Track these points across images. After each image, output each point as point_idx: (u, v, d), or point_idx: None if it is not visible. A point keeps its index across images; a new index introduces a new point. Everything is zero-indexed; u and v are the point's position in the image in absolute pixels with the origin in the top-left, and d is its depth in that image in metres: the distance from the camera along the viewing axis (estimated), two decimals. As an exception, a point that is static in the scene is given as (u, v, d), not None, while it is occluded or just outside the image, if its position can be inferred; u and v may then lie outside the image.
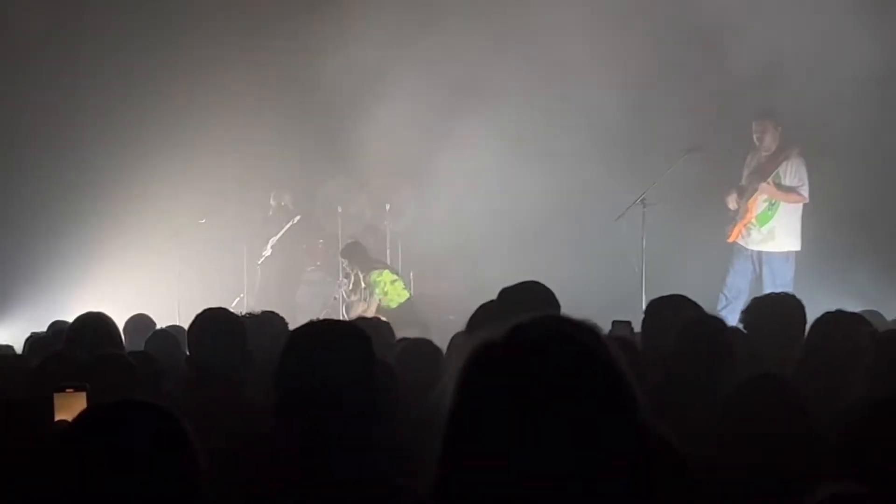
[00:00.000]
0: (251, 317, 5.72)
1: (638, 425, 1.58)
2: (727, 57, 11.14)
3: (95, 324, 5.09)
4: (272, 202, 13.94)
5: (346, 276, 12.56)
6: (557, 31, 11.90)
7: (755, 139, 10.46)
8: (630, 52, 11.59)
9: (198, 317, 4.77)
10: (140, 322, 7.33)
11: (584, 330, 1.63)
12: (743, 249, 10.57)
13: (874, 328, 4.57)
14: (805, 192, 10.38)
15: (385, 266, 12.43)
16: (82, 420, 2.22)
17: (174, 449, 2.18)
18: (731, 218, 10.54)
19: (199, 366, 4.59)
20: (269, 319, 5.83)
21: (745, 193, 10.48)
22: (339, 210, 13.30)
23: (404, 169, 13.03)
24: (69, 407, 3.40)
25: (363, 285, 12.22)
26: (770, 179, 10.35)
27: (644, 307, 5.86)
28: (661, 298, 5.37)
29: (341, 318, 12.50)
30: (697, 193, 11.22)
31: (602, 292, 10.47)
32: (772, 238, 10.46)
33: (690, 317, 4.48)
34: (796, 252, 10.51)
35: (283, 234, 13.75)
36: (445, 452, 1.59)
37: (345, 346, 3.09)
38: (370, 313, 11.89)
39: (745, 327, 4.99)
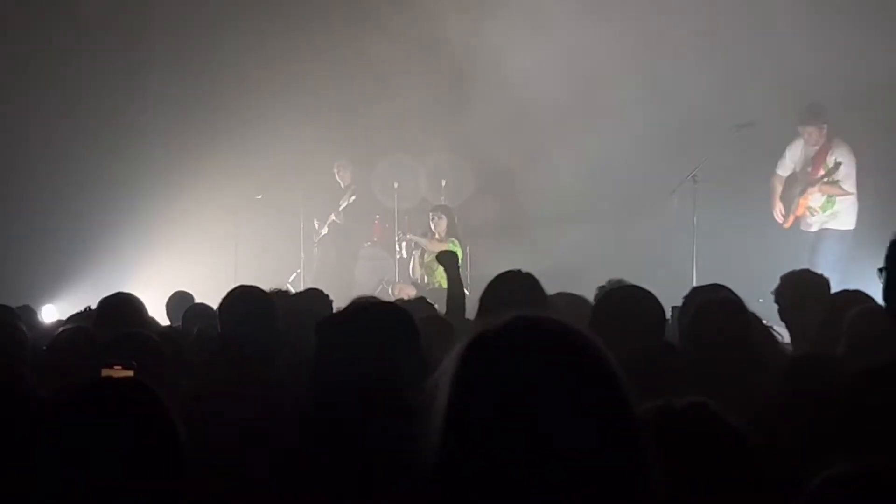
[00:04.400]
0: (297, 295, 5.72)
1: (629, 412, 1.63)
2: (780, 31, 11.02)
3: (122, 304, 5.17)
4: (337, 178, 13.96)
5: (424, 234, 12.64)
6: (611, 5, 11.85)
7: (804, 139, 10.51)
8: (688, 26, 11.49)
9: (229, 294, 4.82)
10: (182, 299, 7.42)
11: (571, 322, 1.68)
12: (807, 235, 10.58)
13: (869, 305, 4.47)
14: (848, 185, 10.37)
15: (459, 245, 12.49)
16: (56, 401, 2.29)
17: (150, 425, 2.25)
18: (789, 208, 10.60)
19: (229, 343, 4.65)
20: (315, 298, 5.82)
21: (794, 190, 10.55)
22: (396, 186, 13.34)
23: (460, 145, 13.05)
24: None
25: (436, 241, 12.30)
26: (822, 179, 10.35)
27: (694, 285, 5.86)
28: (700, 288, 5.29)
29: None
30: (749, 169, 11.12)
31: (652, 271, 10.42)
32: (834, 217, 10.51)
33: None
34: (852, 230, 10.44)
35: (340, 212, 13.81)
36: (445, 442, 1.62)
37: (386, 331, 3.08)
38: (435, 248, 11.96)
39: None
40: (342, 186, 13.88)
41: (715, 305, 4.33)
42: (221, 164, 13.04)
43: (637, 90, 11.58)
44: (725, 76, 11.37)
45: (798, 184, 10.59)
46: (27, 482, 2.24)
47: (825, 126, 10.38)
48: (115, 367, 3.53)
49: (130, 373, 3.48)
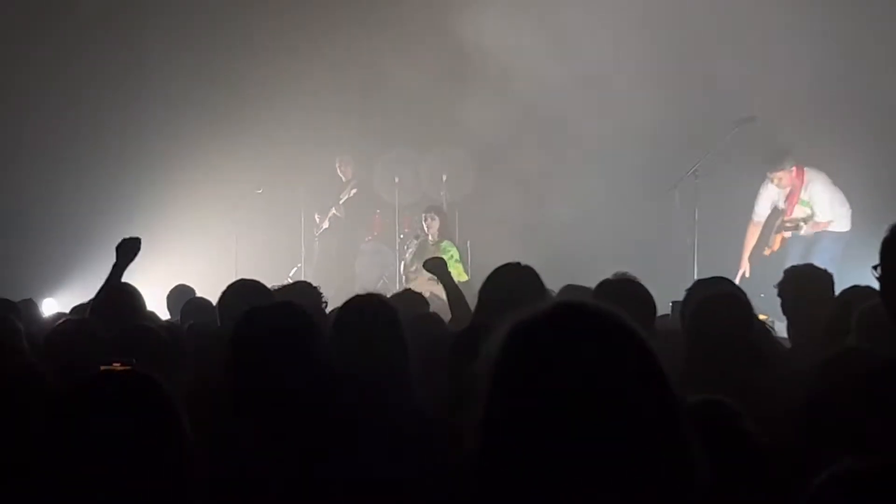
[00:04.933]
0: (284, 288, 5.72)
1: (674, 398, 1.61)
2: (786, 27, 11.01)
3: (118, 294, 5.15)
4: (339, 173, 13.93)
5: (417, 236, 12.58)
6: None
7: (773, 183, 10.50)
8: (687, 21, 11.49)
9: (228, 288, 4.81)
10: (183, 292, 7.39)
11: (616, 310, 1.66)
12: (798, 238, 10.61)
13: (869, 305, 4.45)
14: (826, 216, 10.35)
15: (454, 245, 12.42)
16: (66, 392, 2.30)
17: (156, 417, 2.25)
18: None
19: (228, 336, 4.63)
20: (304, 291, 5.80)
21: (770, 224, 10.63)
22: (397, 180, 13.30)
23: (461, 140, 13.03)
24: None
25: (430, 245, 12.20)
26: (800, 219, 10.40)
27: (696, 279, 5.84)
28: (703, 281, 5.28)
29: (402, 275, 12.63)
30: (750, 165, 11.11)
31: (654, 265, 10.40)
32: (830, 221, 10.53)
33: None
34: (847, 232, 10.43)
35: (341, 205, 13.79)
36: (487, 428, 1.60)
37: (294, 334, 3.15)
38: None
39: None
40: (344, 181, 13.86)
41: (717, 299, 4.32)
42: (222, 159, 13.04)
43: (640, 84, 11.55)
44: (726, 73, 11.34)
45: (775, 218, 10.64)
46: (39, 470, 2.24)
47: (794, 168, 10.37)
48: (114, 365, 3.53)
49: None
